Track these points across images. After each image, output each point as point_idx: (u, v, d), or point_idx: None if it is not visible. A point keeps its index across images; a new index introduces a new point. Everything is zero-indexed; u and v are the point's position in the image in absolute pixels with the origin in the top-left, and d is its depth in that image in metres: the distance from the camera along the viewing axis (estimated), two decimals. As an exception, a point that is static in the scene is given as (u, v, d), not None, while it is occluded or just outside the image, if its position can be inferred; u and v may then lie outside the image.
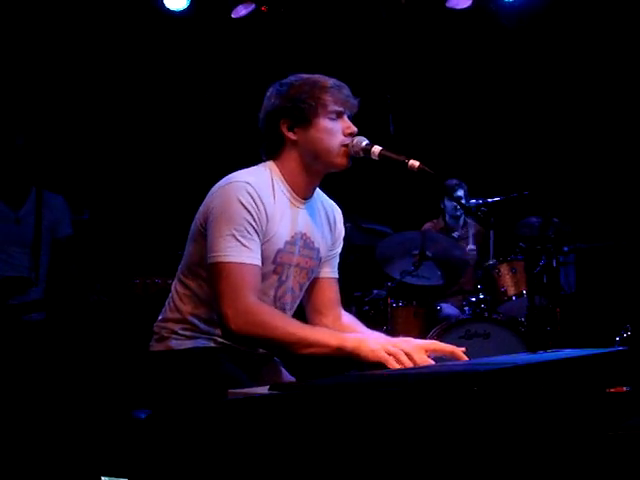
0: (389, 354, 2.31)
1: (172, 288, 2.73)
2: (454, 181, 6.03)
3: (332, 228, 2.86)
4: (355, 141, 2.61)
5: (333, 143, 2.60)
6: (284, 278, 2.66)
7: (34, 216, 4.57)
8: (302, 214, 2.69)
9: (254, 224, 2.49)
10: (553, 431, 1.71)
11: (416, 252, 5.34)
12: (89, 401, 4.50)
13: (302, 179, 2.66)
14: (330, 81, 2.65)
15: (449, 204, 6.18)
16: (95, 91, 6.19)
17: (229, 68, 6.49)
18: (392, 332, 5.21)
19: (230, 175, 2.60)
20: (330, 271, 2.87)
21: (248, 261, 2.46)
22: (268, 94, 2.69)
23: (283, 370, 2.83)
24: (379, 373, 2.05)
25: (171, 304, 2.70)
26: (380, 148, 2.60)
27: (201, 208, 2.61)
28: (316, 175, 2.68)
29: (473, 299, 5.48)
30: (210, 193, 2.60)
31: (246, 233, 2.47)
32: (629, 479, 1.76)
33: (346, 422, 1.58)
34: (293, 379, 2.79)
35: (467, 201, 5.85)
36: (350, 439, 1.57)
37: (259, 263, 2.51)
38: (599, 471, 1.75)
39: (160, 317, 2.73)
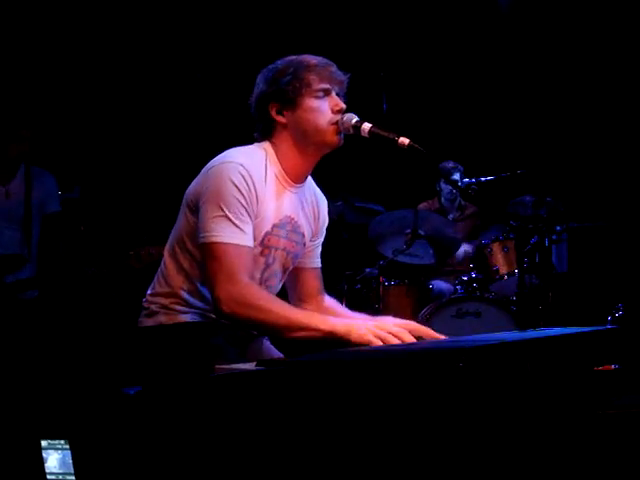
0: (377, 337, 2.31)
1: (162, 262, 2.72)
2: (450, 164, 6.01)
3: (317, 218, 2.86)
4: (345, 118, 2.59)
5: (321, 122, 2.58)
6: (270, 261, 2.66)
7: (24, 192, 4.56)
8: (292, 198, 2.69)
9: (246, 205, 2.49)
10: (540, 409, 1.71)
11: (408, 231, 5.33)
12: (82, 376, 4.51)
13: (296, 162, 2.66)
14: (315, 59, 2.63)
15: (445, 187, 6.18)
16: (85, 68, 6.15)
17: (221, 46, 6.46)
18: (384, 311, 5.22)
19: (224, 154, 2.59)
20: (314, 261, 2.89)
21: (241, 242, 2.46)
22: (257, 79, 2.69)
23: (271, 346, 2.83)
24: (366, 349, 2.05)
25: (160, 278, 2.70)
26: (370, 125, 2.58)
27: (194, 184, 2.61)
28: (310, 157, 2.67)
29: (465, 278, 5.48)
30: (204, 171, 2.59)
31: (239, 214, 2.46)
32: (617, 457, 1.77)
33: (332, 398, 1.58)
34: (281, 355, 2.79)
35: (462, 183, 5.83)
36: (336, 415, 1.57)
37: (251, 244, 2.51)
38: (587, 449, 1.76)
39: (149, 291, 2.73)
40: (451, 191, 6.15)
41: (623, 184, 6.02)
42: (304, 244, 2.79)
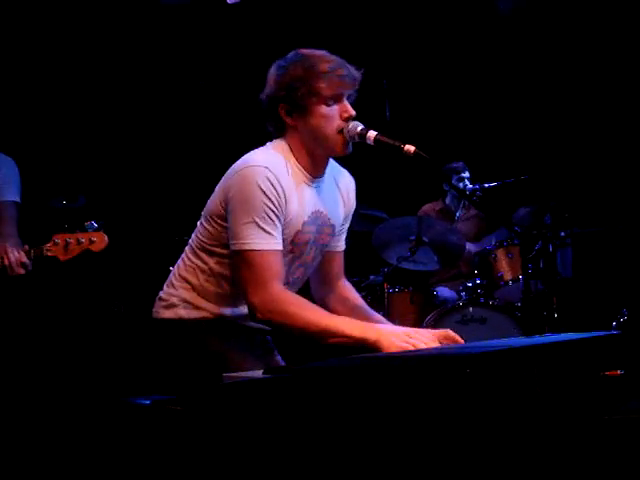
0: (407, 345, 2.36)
1: (182, 259, 2.77)
2: (460, 163, 6.01)
3: (345, 201, 2.89)
4: (350, 126, 2.60)
5: (330, 129, 2.60)
6: (298, 255, 2.70)
7: None
8: (316, 192, 2.72)
9: (275, 209, 2.52)
10: (547, 414, 1.71)
11: (412, 237, 5.33)
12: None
13: (309, 160, 2.68)
14: (326, 64, 2.62)
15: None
16: (89, 78, 6.17)
17: (223, 54, 6.47)
18: (389, 318, 5.19)
19: (247, 157, 2.62)
20: (340, 245, 2.94)
21: (271, 247, 2.51)
22: (268, 75, 2.69)
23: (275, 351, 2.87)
24: (373, 356, 2.05)
25: (183, 272, 2.74)
26: (375, 133, 2.60)
27: (219, 189, 2.64)
28: (321, 157, 2.70)
29: (470, 284, 5.48)
30: (228, 176, 2.62)
31: (268, 219, 2.50)
32: (624, 462, 1.77)
33: (338, 404, 1.58)
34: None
35: (471, 184, 5.83)
36: (343, 421, 1.57)
37: (281, 247, 2.55)
38: (594, 454, 1.76)
39: (169, 283, 2.78)
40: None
41: (627, 189, 6.01)
42: (335, 234, 2.84)
